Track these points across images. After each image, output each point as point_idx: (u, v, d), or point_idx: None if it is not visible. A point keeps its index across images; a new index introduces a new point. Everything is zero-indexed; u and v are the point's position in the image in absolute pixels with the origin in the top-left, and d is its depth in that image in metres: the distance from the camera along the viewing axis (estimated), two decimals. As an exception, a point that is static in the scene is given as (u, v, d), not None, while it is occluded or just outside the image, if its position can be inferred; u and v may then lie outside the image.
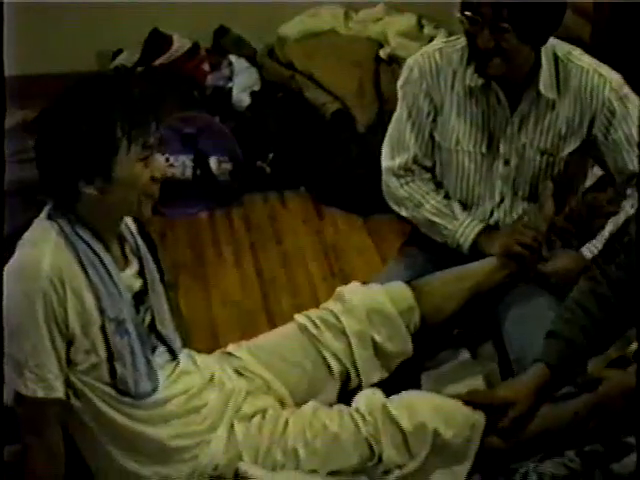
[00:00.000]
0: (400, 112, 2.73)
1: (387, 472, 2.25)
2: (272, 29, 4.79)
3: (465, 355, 2.64)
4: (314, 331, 2.46)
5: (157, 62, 4.64)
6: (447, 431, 2.24)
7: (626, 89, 2.57)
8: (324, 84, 4.41)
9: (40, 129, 2.09)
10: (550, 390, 2.25)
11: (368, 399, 2.33)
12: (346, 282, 2.59)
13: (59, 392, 2.08)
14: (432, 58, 2.64)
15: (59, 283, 2.04)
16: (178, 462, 2.24)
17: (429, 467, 2.26)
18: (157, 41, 4.71)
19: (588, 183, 2.82)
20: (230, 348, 2.49)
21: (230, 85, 4.55)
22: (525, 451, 2.27)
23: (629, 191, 2.63)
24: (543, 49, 2.52)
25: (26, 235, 2.13)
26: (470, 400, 2.30)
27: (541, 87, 2.53)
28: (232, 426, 2.29)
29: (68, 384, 2.12)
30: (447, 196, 2.75)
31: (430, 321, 2.55)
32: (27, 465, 2.12)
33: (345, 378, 2.46)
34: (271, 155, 4.24)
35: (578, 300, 2.29)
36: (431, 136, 2.70)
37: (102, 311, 2.11)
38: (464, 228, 2.69)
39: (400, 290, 2.55)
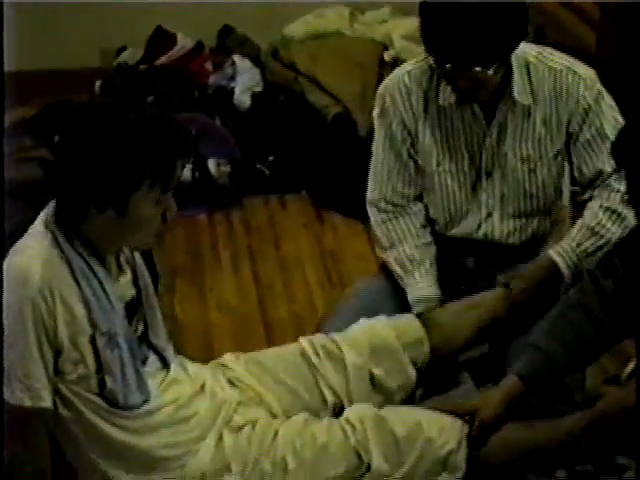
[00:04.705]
0: (376, 143, 2.68)
1: None
2: (277, 29, 4.78)
3: (468, 383, 2.59)
4: (314, 359, 2.42)
5: (160, 60, 4.63)
6: (439, 438, 2.23)
7: (599, 86, 2.53)
8: (326, 87, 4.40)
9: (66, 143, 2.07)
10: (523, 402, 2.24)
11: (360, 409, 2.31)
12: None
13: (46, 402, 2.07)
14: (401, 83, 2.60)
15: (49, 293, 2.03)
16: (164, 471, 2.22)
17: (417, 476, 2.23)
18: (161, 39, 4.71)
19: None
20: (226, 360, 2.46)
21: (232, 85, 4.53)
22: (518, 468, 2.25)
23: (596, 192, 2.57)
24: (513, 55, 2.47)
25: (20, 242, 2.11)
26: (439, 409, 2.31)
27: (515, 94, 2.50)
28: (221, 436, 2.27)
29: (57, 393, 2.10)
30: (432, 224, 2.70)
31: (440, 353, 2.50)
32: (12, 475, 2.09)
33: (339, 409, 2.41)
34: (271, 158, 4.22)
35: (564, 313, 2.27)
36: (413, 161, 2.65)
37: (93, 323, 2.09)
38: (414, 288, 2.64)
39: (408, 322, 2.51)
